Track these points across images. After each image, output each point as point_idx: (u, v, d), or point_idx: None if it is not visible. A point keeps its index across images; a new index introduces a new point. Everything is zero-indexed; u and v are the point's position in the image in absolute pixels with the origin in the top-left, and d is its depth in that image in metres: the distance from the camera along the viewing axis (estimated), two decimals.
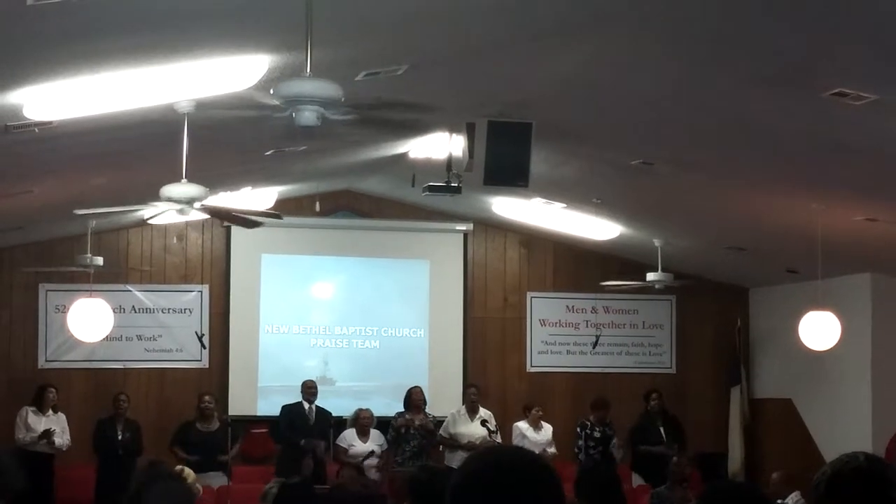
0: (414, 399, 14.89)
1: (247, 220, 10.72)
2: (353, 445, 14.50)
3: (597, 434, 15.34)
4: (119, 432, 14.55)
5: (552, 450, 15.18)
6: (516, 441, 15.26)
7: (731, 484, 4.81)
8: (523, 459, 2.80)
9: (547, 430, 15.52)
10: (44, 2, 6.03)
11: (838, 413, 15.79)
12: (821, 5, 7.00)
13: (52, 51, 7.24)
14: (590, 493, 6.72)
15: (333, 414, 15.02)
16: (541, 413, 15.59)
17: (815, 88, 8.53)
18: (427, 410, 15.12)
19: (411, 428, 14.62)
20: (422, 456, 14.51)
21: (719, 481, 4.91)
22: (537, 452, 14.52)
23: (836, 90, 8.43)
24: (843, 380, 15.64)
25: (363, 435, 14.60)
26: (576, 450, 15.48)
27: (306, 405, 14.79)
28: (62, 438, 14.60)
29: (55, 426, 14.55)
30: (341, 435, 14.63)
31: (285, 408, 14.91)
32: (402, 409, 14.91)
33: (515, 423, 15.53)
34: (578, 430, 15.43)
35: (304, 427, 14.59)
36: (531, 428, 15.44)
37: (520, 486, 2.71)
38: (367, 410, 14.77)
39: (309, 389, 14.89)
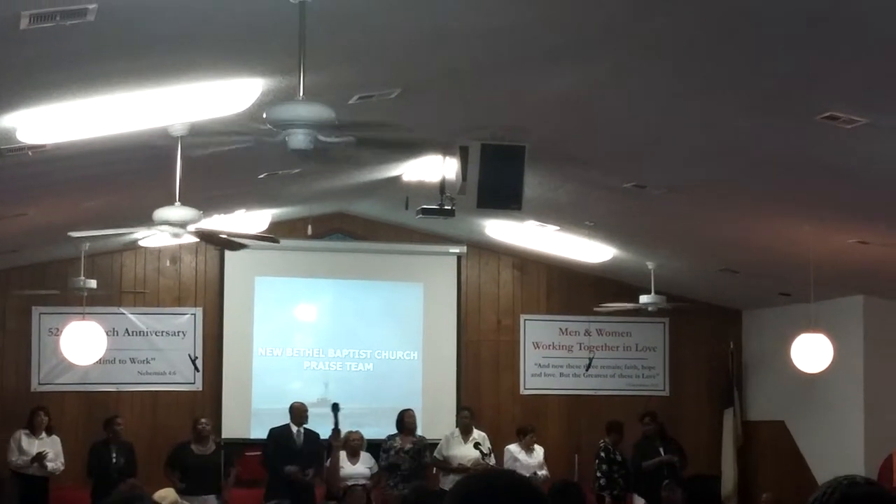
0: (407, 422, 14.88)
1: (232, 243, 10.71)
2: (342, 467, 14.46)
3: (618, 458, 15.42)
4: (113, 455, 14.50)
5: (544, 472, 15.17)
6: (508, 464, 15.25)
7: None
8: (516, 483, 2.82)
9: (538, 452, 15.51)
10: (37, 26, 6.05)
11: (831, 435, 15.80)
12: (813, 30, 7.03)
13: (45, 74, 7.26)
14: None
15: (326, 437, 14.95)
16: (535, 437, 15.59)
17: (806, 112, 8.57)
18: (420, 433, 15.11)
19: (402, 451, 14.60)
20: (413, 478, 14.50)
21: None
22: (528, 475, 14.63)
23: (828, 114, 8.47)
24: (836, 402, 15.66)
25: (353, 457, 14.56)
26: (598, 474, 15.50)
27: (294, 428, 14.72)
28: (56, 462, 14.56)
29: (49, 449, 14.51)
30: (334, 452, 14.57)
31: (272, 431, 14.87)
32: (394, 432, 14.90)
33: (507, 447, 15.52)
34: (602, 454, 15.48)
35: (292, 450, 14.53)
36: (523, 451, 15.42)
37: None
38: (357, 432, 14.73)
39: (297, 412, 14.82)
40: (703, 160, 10.73)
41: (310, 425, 14.86)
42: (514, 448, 15.46)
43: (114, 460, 14.47)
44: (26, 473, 14.36)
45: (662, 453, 15.45)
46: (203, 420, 14.67)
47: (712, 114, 9.23)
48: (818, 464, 16.06)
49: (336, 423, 14.07)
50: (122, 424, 14.82)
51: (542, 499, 2.80)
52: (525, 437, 15.51)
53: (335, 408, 14.11)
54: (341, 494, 12.10)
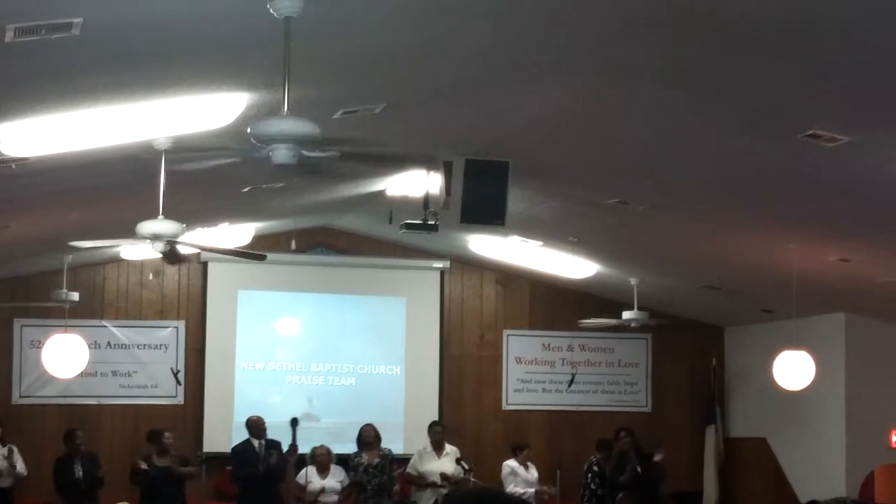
0: (364, 437, 14.81)
1: (223, 251, 10.69)
2: (311, 482, 14.40)
3: (606, 475, 15.46)
4: (79, 468, 14.36)
5: (551, 489, 15.15)
6: (506, 478, 15.26)
7: None
8: (506, 501, 2.82)
9: (533, 470, 15.48)
10: (23, 39, 6.06)
11: (812, 452, 15.83)
12: (795, 49, 7.07)
13: (30, 87, 7.26)
14: None
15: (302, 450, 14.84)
16: (531, 453, 15.57)
17: (789, 130, 8.61)
18: (402, 447, 15.07)
19: (370, 467, 14.55)
20: (384, 493, 14.47)
21: None
22: (532, 490, 14.65)
23: (810, 132, 8.51)
24: (818, 419, 15.69)
25: (323, 471, 14.51)
26: (586, 491, 15.52)
27: (255, 442, 14.61)
28: (19, 466, 14.41)
29: (4, 460, 14.40)
30: (301, 472, 14.47)
31: (234, 448, 14.78)
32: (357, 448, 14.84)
33: (505, 462, 15.47)
34: (595, 468, 15.49)
35: (256, 463, 14.44)
36: (521, 466, 15.39)
37: None
38: (323, 447, 14.66)
39: (254, 425, 14.70)
40: (686, 177, 10.76)
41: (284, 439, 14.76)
42: (511, 463, 15.42)
43: (78, 474, 14.33)
44: None
45: (639, 470, 15.42)
46: (167, 434, 14.48)
47: (695, 131, 9.26)
48: (800, 481, 16.09)
49: (293, 439, 13.97)
50: (83, 437, 14.61)
51: None
52: (522, 452, 15.48)
53: (294, 422, 14.00)
54: None
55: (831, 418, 15.51)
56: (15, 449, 14.64)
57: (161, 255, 9.77)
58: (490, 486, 13.52)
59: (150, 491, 14.02)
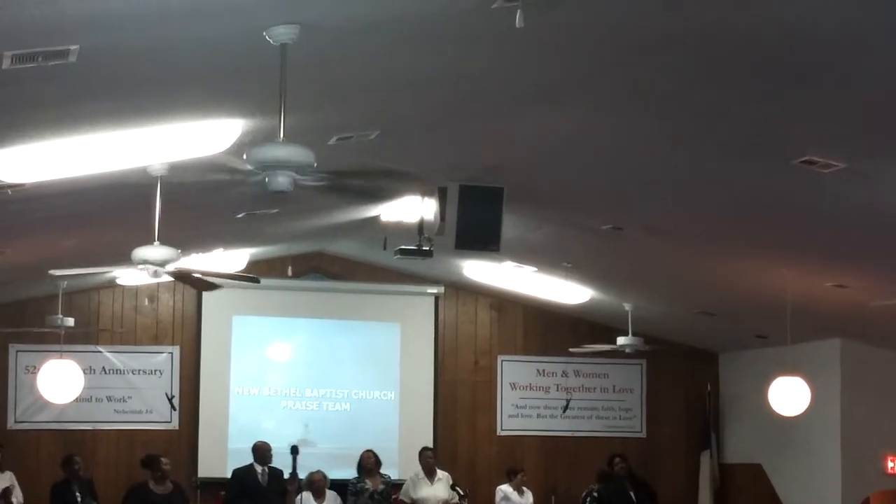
0: (364, 464, 14.78)
1: (207, 283, 10.68)
2: None
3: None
4: (77, 494, 14.32)
5: None
6: (499, 503, 15.24)
7: None
8: None
9: (528, 495, 15.46)
10: (19, 66, 6.07)
11: (808, 479, 15.82)
12: (789, 76, 7.09)
13: (26, 114, 7.27)
14: None
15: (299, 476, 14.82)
16: (525, 478, 15.55)
17: (784, 156, 8.62)
18: (397, 473, 15.05)
19: (375, 493, 14.52)
20: None
21: None
22: None
23: (805, 158, 8.53)
24: (813, 445, 15.68)
25: (319, 497, 14.47)
26: None
27: (258, 468, 14.60)
28: (17, 497, 14.45)
29: (6, 483, 14.38)
30: (298, 497, 14.43)
31: (235, 472, 14.75)
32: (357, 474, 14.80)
33: (499, 487, 15.46)
34: (593, 496, 15.47)
35: (257, 490, 14.41)
36: (515, 492, 15.36)
37: None
38: (319, 472, 14.63)
39: (260, 451, 14.69)
40: (681, 203, 10.78)
41: (283, 465, 14.72)
42: (505, 488, 15.41)
43: (79, 499, 14.30)
44: None
45: (633, 497, 15.36)
46: (164, 459, 14.42)
47: (690, 157, 9.28)
48: None
49: (294, 467, 13.95)
50: (81, 462, 14.58)
51: None
52: (516, 476, 15.47)
53: (294, 450, 13.98)
54: None
55: (827, 444, 15.51)
56: (13, 477, 14.62)
57: (178, 279, 9.80)
58: None
59: None
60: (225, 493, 14.79)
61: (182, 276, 9.88)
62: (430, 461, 15.15)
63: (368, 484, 14.60)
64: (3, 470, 14.66)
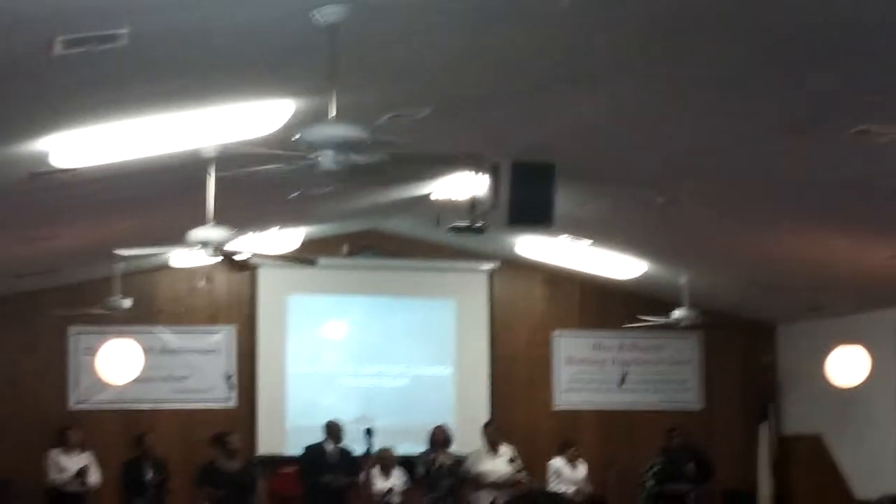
0: (436, 438, 14.81)
1: (251, 265, 10.74)
2: (375, 484, 14.43)
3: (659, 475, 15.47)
4: (147, 472, 14.51)
5: (587, 487, 15.12)
6: (552, 478, 15.19)
7: None
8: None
9: (582, 468, 15.41)
10: (70, 52, 6.11)
11: (869, 450, 15.71)
12: (843, 45, 7.02)
13: (77, 99, 7.32)
14: None
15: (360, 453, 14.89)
16: (578, 452, 15.51)
17: (839, 127, 8.55)
18: (453, 448, 15.06)
19: (443, 467, 14.55)
20: (454, 495, 14.48)
21: None
22: (574, 490, 14.61)
23: (861, 128, 8.45)
24: (873, 416, 15.56)
25: (385, 473, 14.54)
26: (642, 493, 15.48)
27: (330, 445, 14.72)
28: (95, 476, 14.63)
29: (89, 463, 14.58)
30: (363, 474, 14.51)
31: (308, 448, 14.85)
32: (428, 448, 14.83)
33: (550, 461, 15.41)
34: (655, 469, 15.44)
35: (327, 467, 14.49)
36: (567, 466, 15.33)
37: None
38: (389, 450, 14.67)
39: (333, 429, 14.81)
40: (735, 177, 10.71)
41: (345, 442, 14.81)
42: (557, 462, 15.33)
43: (148, 476, 14.48)
44: (65, 491, 14.40)
45: (690, 470, 15.32)
46: (233, 436, 14.64)
47: (745, 130, 9.22)
48: (856, 478, 15.98)
49: (369, 448, 14.02)
50: (152, 440, 14.79)
51: None
52: (568, 450, 15.42)
53: (369, 432, 14.06)
54: None
55: (886, 415, 15.38)
56: (92, 456, 14.80)
57: (222, 261, 9.85)
58: (546, 490, 13.54)
59: (224, 497, 14.04)
60: (298, 469, 14.87)
61: (228, 260, 9.88)
62: (492, 435, 15.16)
63: (440, 458, 14.62)
64: (84, 450, 14.83)
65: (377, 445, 14.35)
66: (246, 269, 11.19)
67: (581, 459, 15.48)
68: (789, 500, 17.08)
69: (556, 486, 15.08)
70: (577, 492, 15.03)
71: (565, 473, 15.22)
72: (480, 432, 15.25)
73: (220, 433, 14.68)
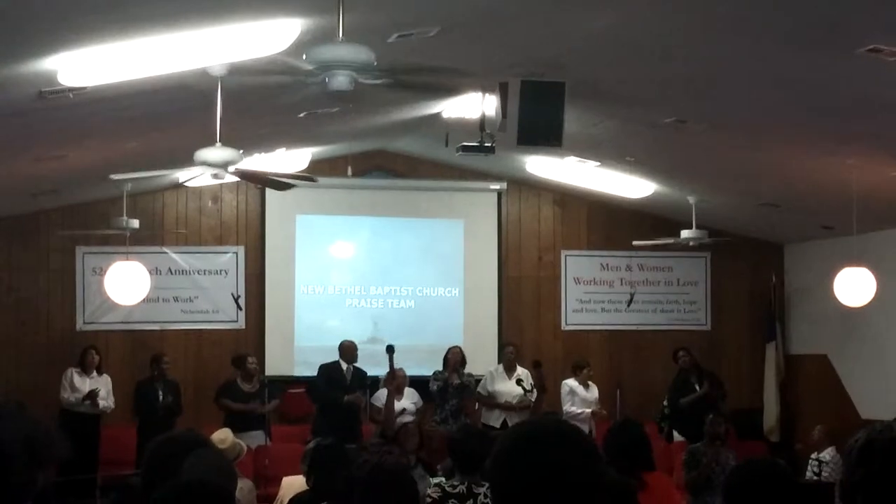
0: (450, 360, 14.85)
1: (279, 183, 10.75)
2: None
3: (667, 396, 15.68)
4: (160, 394, 14.64)
5: (602, 411, 15.18)
6: (565, 397, 15.22)
7: (761, 463, 4.84)
8: (566, 432, 2.85)
9: (594, 390, 15.46)
10: None
11: (874, 369, 15.76)
12: None
13: (85, 17, 7.28)
14: (617, 453, 6.74)
15: (370, 374, 14.96)
16: (591, 373, 15.53)
17: (848, 45, 8.48)
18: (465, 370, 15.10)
19: (450, 387, 14.61)
20: (460, 414, 14.55)
21: (749, 461, 4.94)
22: (589, 411, 14.64)
23: (871, 46, 8.38)
24: (880, 336, 15.59)
25: (397, 394, 14.58)
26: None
27: (344, 365, 14.77)
28: (107, 400, 14.74)
29: (101, 387, 14.69)
30: (375, 394, 14.58)
31: (322, 367, 14.88)
32: (440, 368, 14.87)
33: (564, 381, 15.44)
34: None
35: (342, 387, 14.57)
36: (581, 386, 15.37)
37: (563, 453, 2.76)
38: (401, 370, 14.72)
39: (347, 350, 14.85)
40: (744, 95, 10.65)
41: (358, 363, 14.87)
42: (571, 382, 15.34)
43: (160, 398, 14.60)
44: (77, 412, 14.52)
45: (698, 388, 15.42)
46: (251, 359, 14.78)
47: (753, 48, 9.15)
48: (861, 397, 16.04)
49: (391, 366, 14.06)
50: (169, 363, 14.96)
51: (592, 448, 2.83)
52: (582, 371, 15.44)
53: (390, 349, 14.08)
54: (394, 434, 12.16)
55: (892, 334, 15.41)
56: (109, 381, 14.90)
57: (236, 176, 9.84)
58: (553, 417, 13.57)
59: (233, 415, 14.15)
60: (312, 386, 14.94)
61: (245, 176, 9.91)
62: (510, 356, 15.20)
63: (448, 377, 14.65)
64: (102, 373, 14.93)
65: (371, 371, 14.41)
66: (265, 183, 11.16)
67: (591, 381, 15.52)
68: (795, 419, 17.17)
69: (569, 406, 15.14)
70: (595, 413, 15.09)
71: (579, 394, 15.26)
72: (498, 353, 15.29)
73: (239, 354, 14.83)
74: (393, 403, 13.92)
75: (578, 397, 15.21)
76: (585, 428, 14.82)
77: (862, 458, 3.21)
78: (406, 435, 11.47)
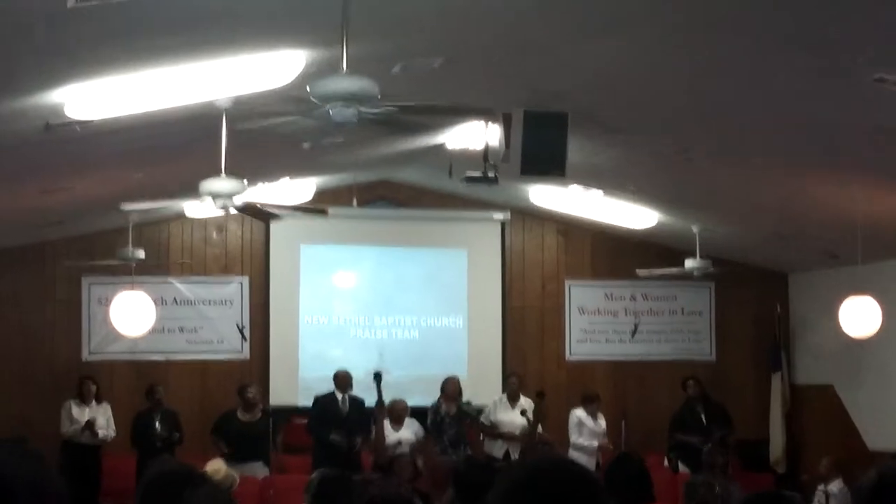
0: (448, 390, 14.82)
1: (272, 214, 10.77)
2: (387, 435, 14.46)
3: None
4: (157, 424, 14.62)
5: (609, 445, 15.13)
6: (573, 428, 15.20)
7: (770, 497, 4.81)
8: (572, 473, 2.84)
9: (602, 421, 15.41)
10: (84, 4, 6.10)
11: (881, 400, 15.71)
12: None
13: (92, 51, 7.32)
14: (618, 486, 6.74)
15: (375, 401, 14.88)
16: (601, 406, 15.48)
17: (855, 74, 8.51)
18: (466, 399, 15.05)
19: (447, 416, 14.59)
20: (461, 443, 14.53)
21: (759, 495, 4.92)
22: (596, 443, 14.55)
23: (876, 76, 8.41)
24: (886, 366, 15.55)
25: (397, 424, 14.55)
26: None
27: (339, 395, 14.73)
28: (106, 430, 14.73)
29: (100, 417, 14.68)
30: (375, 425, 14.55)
31: (317, 399, 14.85)
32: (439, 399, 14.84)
33: (573, 411, 15.41)
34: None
35: (338, 418, 14.53)
36: (589, 417, 15.33)
37: (567, 490, 2.76)
38: (402, 401, 14.67)
39: (341, 379, 14.81)
40: (748, 124, 10.68)
41: (358, 393, 14.84)
42: (580, 413, 15.31)
43: (157, 429, 14.57)
44: (78, 442, 14.51)
45: (704, 420, 15.35)
46: (251, 388, 14.73)
47: (759, 77, 9.17)
48: (868, 428, 16.00)
49: (379, 393, 14.05)
50: (163, 392, 14.91)
51: (597, 486, 2.82)
52: (592, 404, 15.37)
53: (377, 377, 14.08)
54: (388, 464, 12.13)
55: None
56: (108, 409, 14.90)
57: (242, 211, 9.87)
58: (560, 455, 13.53)
59: (236, 446, 14.09)
60: (308, 420, 14.91)
61: (247, 210, 9.93)
62: (514, 386, 15.17)
63: (444, 407, 14.62)
64: (99, 402, 14.93)
65: (386, 390, 14.38)
66: (268, 218, 11.20)
67: (601, 413, 15.48)
68: (801, 449, 17.13)
69: (576, 437, 15.13)
70: (602, 447, 15.06)
71: (587, 425, 15.23)
72: (502, 383, 15.28)
73: (241, 385, 14.79)
74: (383, 433, 13.91)
75: (587, 428, 15.18)
76: (593, 460, 14.82)
77: (873, 498, 3.19)
78: (400, 465, 11.47)
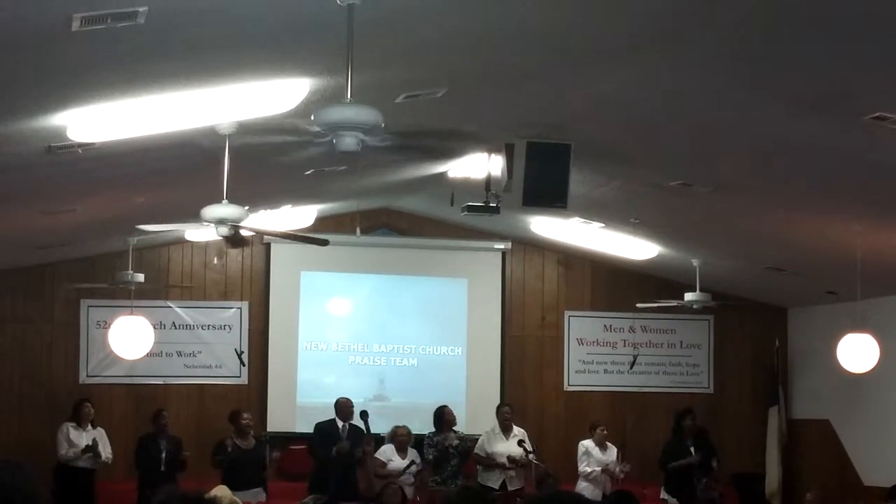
0: (447, 418, 14.80)
1: (245, 240, 10.76)
2: (391, 460, 14.44)
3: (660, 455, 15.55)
4: (162, 449, 14.59)
5: (623, 469, 15.07)
6: (581, 457, 15.18)
7: None
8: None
9: (612, 451, 15.35)
10: (88, 28, 6.12)
11: (877, 436, 15.71)
12: (860, 29, 7.01)
13: (96, 74, 7.34)
14: None
15: (372, 431, 14.87)
16: (605, 432, 15.46)
17: (854, 112, 8.53)
18: (462, 429, 15.03)
19: (450, 447, 14.55)
20: (460, 475, 14.50)
21: None
22: (599, 469, 14.52)
23: (876, 114, 8.43)
24: (882, 402, 15.55)
25: (401, 451, 14.54)
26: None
27: (340, 423, 14.72)
28: (105, 452, 14.70)
29: (97, 440, 14.65)
30: (380, 449, 14.53)
31: (318, 425, 14.85)
32: (433, 430, 14.80)
33: (581, 441, 15.39)
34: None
35: (337, 443, 14.51)
36: (597, 447, 15.30)
37: None
38: (405, 428, 14.68)
39: (342, 407, 14.80)
40: (749, 159, 10.70)
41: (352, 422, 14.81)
42: (587, 443, 15.27)
43: (163, 454, 14.55)
44: (75, 466, 14.48)
45: (693, 451, 15.26)
46: (246, 415, 14.66)
47: (760, 113, 9.20)
48: (863, 463, 15.99)
49: (367, 430, 14.04)
50: (168, 418, 14.92)
51: None
52: (595, 430, 15.36)
53: (364, 415, 14.06)
54: (376, 496, 12.12)
55: (895, 401, 15.37)
56: (104, 433, 14.87)
57: (224, 239, 9.84)
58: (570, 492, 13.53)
59: (231, 472, 14.01)
60: (309, 446, 14.88)
61: (229, 239, 9.85)
62: (507, 416, 15.10)
63: (448, 438, 14.58)
64: (95, 426, 14.90)
65: (383, 418, 14.34)
66: (246, 244, 11.21)
67: (609, 442, 15.41)
68: (797, 483, 17.09)
69: (584, 466, 15.11)
70: (609, 473, 15.02)
71: (594, 455, 15.20)
72: (495, 412, 15.25)
73: (234, 411, 14.73)
74: (371, 469, 13.89)
75: (594, 458, 15.15)
76: (599, 489, 14.83)
77: None
78: (389, 496, 11.47)
